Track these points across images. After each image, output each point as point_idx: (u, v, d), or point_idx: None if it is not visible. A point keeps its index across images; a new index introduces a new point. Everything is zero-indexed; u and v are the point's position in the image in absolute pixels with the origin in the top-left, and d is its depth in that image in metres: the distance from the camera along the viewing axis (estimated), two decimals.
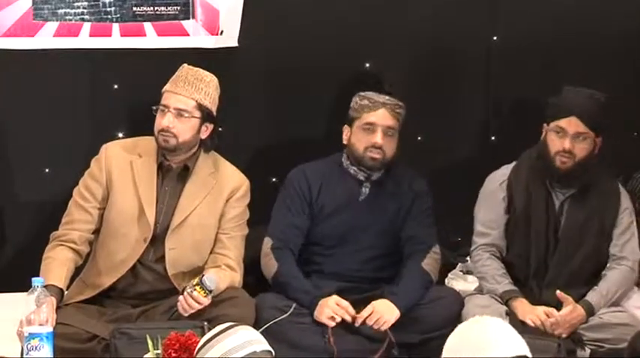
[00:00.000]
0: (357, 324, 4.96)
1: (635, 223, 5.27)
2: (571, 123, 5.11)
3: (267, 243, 5.21)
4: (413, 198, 5.28)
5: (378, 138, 5.14)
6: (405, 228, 5.25)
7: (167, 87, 5.06)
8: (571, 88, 5.21)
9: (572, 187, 5.22)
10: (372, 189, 5.27)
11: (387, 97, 5.21)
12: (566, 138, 5.11)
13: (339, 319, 4.94)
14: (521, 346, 3.31)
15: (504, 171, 5.29)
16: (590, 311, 5.04)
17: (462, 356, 3.35)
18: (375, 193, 5.26)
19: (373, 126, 5.16)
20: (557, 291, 4.98)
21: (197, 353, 3.50)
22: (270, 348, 3.50)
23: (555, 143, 5.14)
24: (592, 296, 5.08)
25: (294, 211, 5.24)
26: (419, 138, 5.82)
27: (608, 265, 5.21)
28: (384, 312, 4.95)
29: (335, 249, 5.23)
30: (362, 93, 5.23)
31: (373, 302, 4.99)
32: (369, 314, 4.93)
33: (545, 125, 5.16)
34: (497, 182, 5.30)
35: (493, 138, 5.75)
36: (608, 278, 5.17)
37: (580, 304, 5.02)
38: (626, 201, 5.28)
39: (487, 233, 5.26)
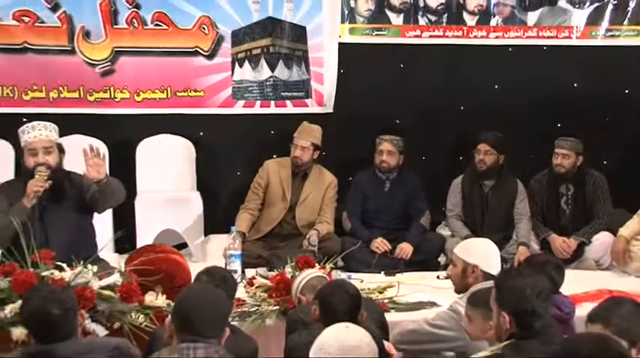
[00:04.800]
0: (396, 254, 4.93)
1: (526, 198, 5.09)
2: (482, 148, 5.07)
3: (344, 215, 5.20)
4: (412, 186, 5.17)
5: (383, 156, 5.08)
6: (411, 203, 5.16)
7: (295, 134, 5.08)
8: (487, 132, 5.14)
9: (490, 181, 5.12)
10: (391, 184, 5.16)
11: (388, 136, 5.11)
12: (480, 154, 5.07)
13: (382, 249, 4.96)
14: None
15: (460, 176, 5.23)
16: (527, 245, 4.96)
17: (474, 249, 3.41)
18: (392, 186, 5.16)
19: (380, 152, 5.10)
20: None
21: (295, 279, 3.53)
22: (326, 276, 3.43)
23: (476, 157, 5.09)
24: (523, 239, 4.98)
25: (355, 197, 5.16)
26: (423, 158, 5.69)
27: (515, 219, 5.07)
28: (407, 249, 4.95)
29: (377, 215, 5.14)
30: (379, 137, 5.15)
31: (400, 245, 4.96)
32: (400, 250, 4.94)
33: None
34: (456, 183, 5.22)
35: (461, 158, 5.57)
36: (520, 228, 5.04)
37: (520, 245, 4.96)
38: (521, 188, 5.13)
39: (453, 209, 5.19)
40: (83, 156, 3.86)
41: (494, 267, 3.34)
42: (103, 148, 4.95)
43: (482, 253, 3.39)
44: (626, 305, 2.54)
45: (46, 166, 3.85)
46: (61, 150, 3.99)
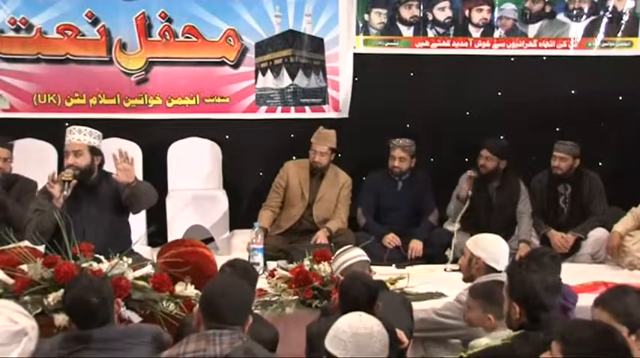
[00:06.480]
0: (408, 255, 4.85)
1: (527, 197, 5.06)
2: (484, 154, 5.02)
3: (359, 211, 5.11)
4: (423, 185, 5.14)
5: (395, 162, 5.07)
6: (422, 201, 5.12)
7: (313, 140, 5.04)
8: (490, 139, 5.08)
9: (494, 183, 5.06)
10: (403, 183, 5.12)
11: (400, 141, 5.07)
12: (482, 159, 5.00)
13: (393, 244, 4.92)
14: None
15: (465, 174, 5.08)
16: (527, 242, 4.93)
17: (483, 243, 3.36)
18: (405, 185, 5.12)
19: (393, 158, 5.08)
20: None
21: (334, 260, 3.36)
22: (369, 259, 3.32)
23: (480, 162, 5.03)
24: (523, 236, 4.95)
25: (368, 196, 5.12)
26: (431, 159, 5.64)
27: (517, 218, 5.04)
28: (417, 247, 4.92)
29: (389, 212, 5.10)
30: (392, 142, 5.11)
31: (411, 243, 4.92)
32: (412, 249, 4.91)
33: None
34: (462, 180, 5.10)
35: (466, 159, 5.36)
36: (521, 226, 5.01)
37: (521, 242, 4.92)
38: (523, 188, 5.09)
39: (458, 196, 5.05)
40: (113, 160, 3.88)
41: (498, 261, 3.27)
42: (137, 151, 5.01)
43: (488, 247, 3.35)
44: (632, 295, 2.48)
45: (74, 168, 3.87)
46: (94, 152, 4.00)
